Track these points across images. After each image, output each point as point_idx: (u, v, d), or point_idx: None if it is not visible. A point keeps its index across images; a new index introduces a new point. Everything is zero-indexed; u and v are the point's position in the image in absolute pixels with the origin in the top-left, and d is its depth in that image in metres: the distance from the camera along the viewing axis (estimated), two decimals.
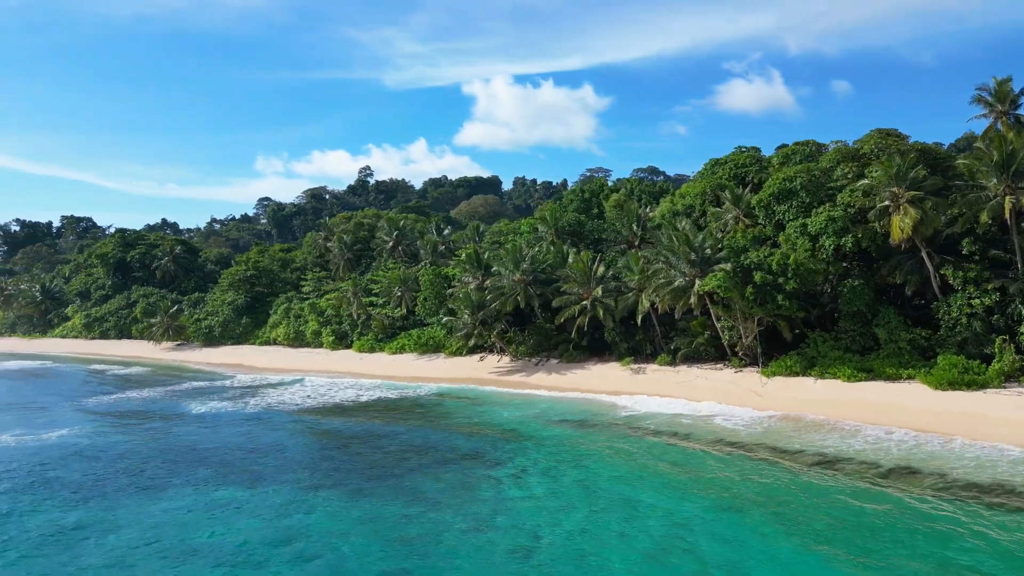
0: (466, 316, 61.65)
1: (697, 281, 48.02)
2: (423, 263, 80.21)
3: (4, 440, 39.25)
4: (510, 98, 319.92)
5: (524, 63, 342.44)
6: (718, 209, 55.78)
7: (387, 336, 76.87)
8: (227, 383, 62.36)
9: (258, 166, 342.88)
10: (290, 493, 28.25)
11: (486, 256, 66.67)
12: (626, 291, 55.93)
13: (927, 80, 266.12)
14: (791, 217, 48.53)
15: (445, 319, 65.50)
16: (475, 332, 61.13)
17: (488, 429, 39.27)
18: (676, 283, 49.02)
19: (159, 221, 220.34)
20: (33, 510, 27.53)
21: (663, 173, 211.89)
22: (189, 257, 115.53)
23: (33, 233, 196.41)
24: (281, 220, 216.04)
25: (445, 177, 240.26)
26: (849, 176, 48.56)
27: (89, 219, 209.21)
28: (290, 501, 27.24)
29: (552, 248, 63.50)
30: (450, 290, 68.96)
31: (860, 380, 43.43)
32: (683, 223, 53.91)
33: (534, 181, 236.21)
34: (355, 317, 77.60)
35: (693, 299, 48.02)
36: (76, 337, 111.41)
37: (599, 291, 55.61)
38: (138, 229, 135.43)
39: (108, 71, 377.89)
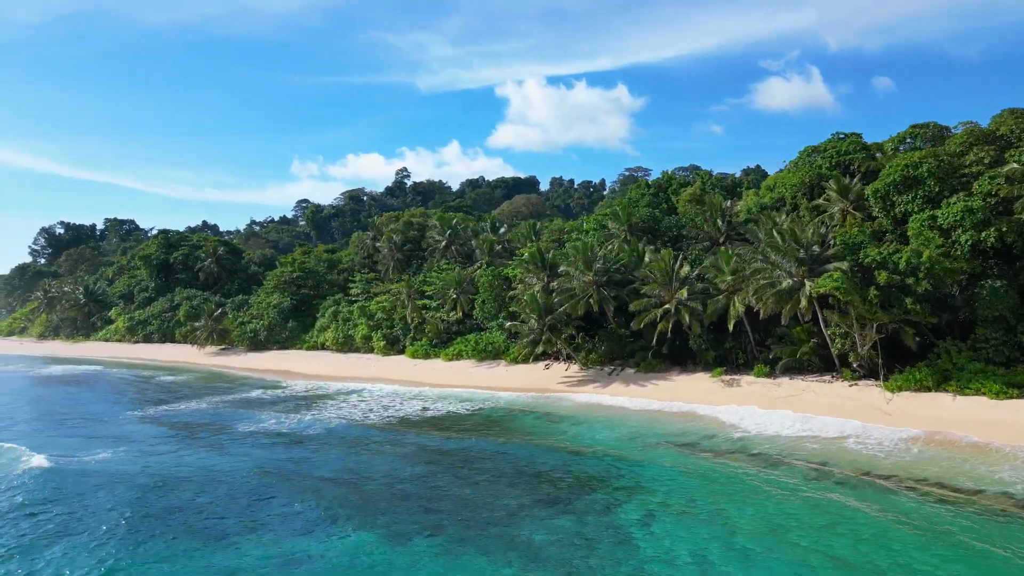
0: (533, 321, 56.57)
1: (807, 282, 42.25)
2: (478, 263, 75.42)
3: (44, 462, 35.15)
4: (543, 99, 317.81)
5: (557, 64, 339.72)
6: (818, 201, 49.82)
7: (441, 341, 72.23)
8: (280, 393, 58.19)
9: (294, 169, 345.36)
10: (375, 543, 23.40)
11: (550, 255, 61.52)
12: (715, 293, 50.36)
13: (973, 76, 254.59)
14: (916, 209, 42.48)
15: (509, 324, 60.46)
16: (543, 338, 55.98)
17: (582, 453, 34.09)
18: (783, 284, 43.27)
19: (199, 223, 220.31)
20: (74, 561, 23.13)
21: (704, 171, 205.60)
22: (232, 258, 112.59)
23: (77, 236, 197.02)
24: (320, 222, 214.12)
25: (482, 178, 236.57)
26: (986, 161, 42.26)
27: (132, 221, 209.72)
28: (376, 556, 22.39)
29: (626, 246, 58.11)
30: (511, 292, 64.01)
31: (1011, 397, 37.25)
32: (782, 217, 48.13)
33: (571, 181, 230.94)
34: (409, 321, 73.08)
35: (804, 302, 42.25)
36: (119, 340, 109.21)
37: (684, 293, 50.07)
38: (180, 231, 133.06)
39: (147, 78, 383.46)
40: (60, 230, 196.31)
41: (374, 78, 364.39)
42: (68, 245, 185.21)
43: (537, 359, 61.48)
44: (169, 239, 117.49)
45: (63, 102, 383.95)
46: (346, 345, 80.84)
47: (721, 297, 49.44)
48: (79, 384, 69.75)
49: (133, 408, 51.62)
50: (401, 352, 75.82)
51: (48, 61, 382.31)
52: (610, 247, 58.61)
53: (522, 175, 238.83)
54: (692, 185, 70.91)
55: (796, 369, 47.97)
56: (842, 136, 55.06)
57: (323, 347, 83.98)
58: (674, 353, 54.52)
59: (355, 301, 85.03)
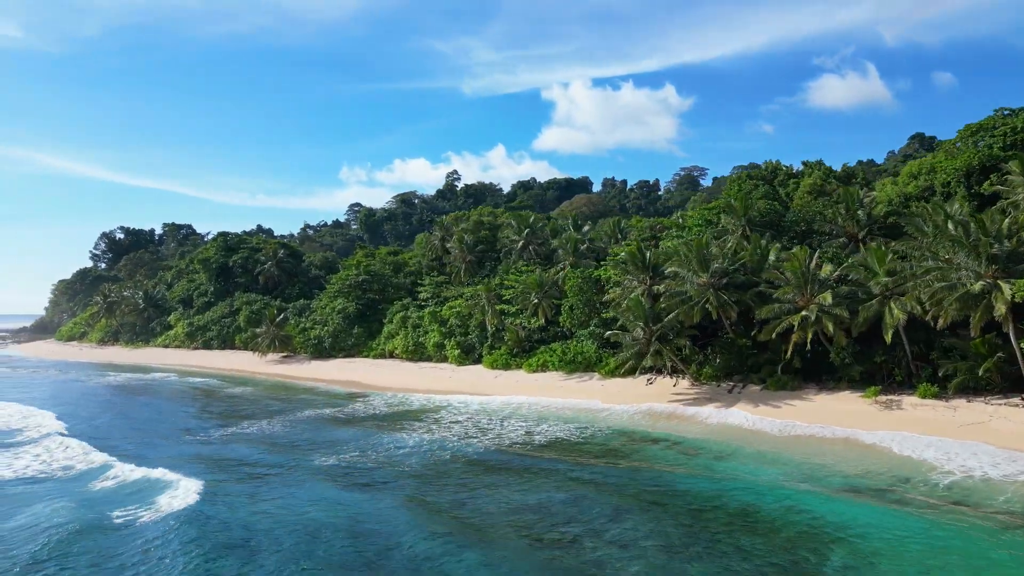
0: (639, 329, 49.54)
1: (1004, 284, 34.35)
2: (560, 264, 68.73)
3: (193, 495, 28.21)
4: (589, 101, 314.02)
5: (603, 66, 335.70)
6: (997, 187, 41.68)
7: (522, 350, 65.77)
8: (361, 409, 52.14)
9: (342, 175, 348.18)
10: None
11: (649, 255, 54.41)
12: (864, 298, 42.66)
13: None
14: None
15: (608, 333, 53.54)
16: (651, 350, 48.87)
17: (750, 504, 26.84)
18: (972, 287, 35.39)
19: (254, 227, 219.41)
20: None
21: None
22: (292, 261, 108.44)
23: (136, 240, 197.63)
24: (372, 225, 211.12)
25: (533, 179, 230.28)
26: None
27: (189, 226, 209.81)
28: None
29: (745, 243, 50.76)
30: (605, 296, 57.18)
31: None
32: (956, 207, 40.18)
33: (624, 182, 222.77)
34: (488, 328, 66.85)
35: (1001, 308, 34.35)
36: (178, 347, 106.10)
37: (828, 297, 42.45)
38: (239, 233, 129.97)
39: (202, 88, 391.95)
40: (120, 235, 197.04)
41: (419, 84, 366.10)
42: (128, 250, 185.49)
43: (637, 373, 54.42)
44: (228, 242, 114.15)
45: (122, 113, 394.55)
46: (416, 353, 75.15)
47: (874, 302, 41.73)
48: (152, 395, 64.96)
49: (207, 428, 46.18)
50: (477, 361, 69.71)
51: (108, 73, 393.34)
52: (725, 245, 51.32)
53: (574, 176, 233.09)
54: (808, 175, 63.10)
55: (972, 389, 39.91)
56: (1008, 112, 46.66)
57: (391, 355, 78.52)
58: (807, 367, 46.92)
59: (424, 306, 79.39)
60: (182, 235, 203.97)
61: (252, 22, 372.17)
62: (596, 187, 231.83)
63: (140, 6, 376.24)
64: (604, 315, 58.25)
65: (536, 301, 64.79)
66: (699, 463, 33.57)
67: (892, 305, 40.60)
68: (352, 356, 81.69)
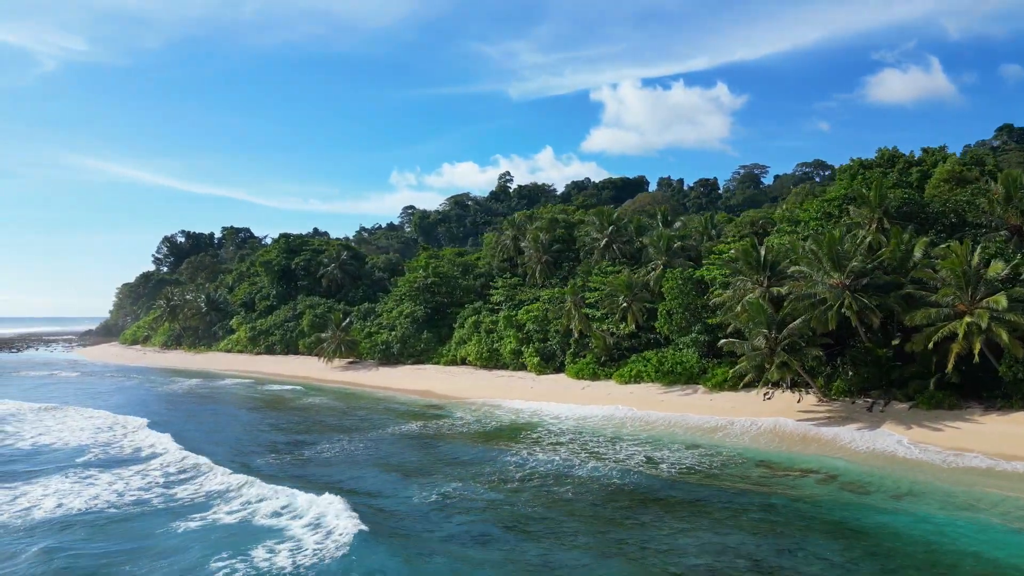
0: (760, 337, 43.44)
1: None
2: (651, 264, 62.86)
3: (356, 521, 24.37)
4: (639, 101, 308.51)
5: (652, 66, 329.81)
6: None
7: (610, 359, 60.17)
8: (446, 424, 47.05)
9: (392, 180, 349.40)
10: None
11: (765, 253, 48.17)
12: None
13: None
14: None
15: (723, 341, 47.44)
16: (776, 361, 42.64)
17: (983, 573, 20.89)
18: None
19: (310, 231, 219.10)
20: None
21: (831, 167, 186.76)
22: (355, 264, 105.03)
23: (196, 244, 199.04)
24: (426, 227, 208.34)
25: (588, 179, 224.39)
26: None
27: (247, 229, 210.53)
28: None
29: (883, 237, 44.21)
30: (713, 299, 51.21)
31: None
32: None
33: (681, 181, 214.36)
34: (574, 334, 61.46)
35: None
36: (241, 351, 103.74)
37: (1001, 301, 35.74)
38: (301, 235, 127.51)
39: (257, 97, 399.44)
40: (181, 238, 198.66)
41: (466, 88, 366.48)
42: (188, 253, 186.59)
43: (755, 386, 48.26)
44: (290, 244, 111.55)
45: (182, 122, 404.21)
46: (491, 360, 70.28)
47: None
48: (230, 404, 61.16)
49: (309, 442, 41.67)
50: (558, 370, 64.45)
51: (169, 84, 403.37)
52: (856, 240, 44.77)
53: (629, 176, 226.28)
54: (929, 162, 55.98)
55: None
56: None
57: (463, 362, 73.85)
58: (965, 383, 40.12)
59: (497, 310, 74.51)
60: (240, 238, 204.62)
61: (304, 31, 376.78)
62: (652, 187, 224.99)
63: (198, 18, 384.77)
64: (709, 320, 52.29)
65: (625, 305, 59.18)
66: (875, 505, 27.47)
67: None
68: (421, 363, 77.35)
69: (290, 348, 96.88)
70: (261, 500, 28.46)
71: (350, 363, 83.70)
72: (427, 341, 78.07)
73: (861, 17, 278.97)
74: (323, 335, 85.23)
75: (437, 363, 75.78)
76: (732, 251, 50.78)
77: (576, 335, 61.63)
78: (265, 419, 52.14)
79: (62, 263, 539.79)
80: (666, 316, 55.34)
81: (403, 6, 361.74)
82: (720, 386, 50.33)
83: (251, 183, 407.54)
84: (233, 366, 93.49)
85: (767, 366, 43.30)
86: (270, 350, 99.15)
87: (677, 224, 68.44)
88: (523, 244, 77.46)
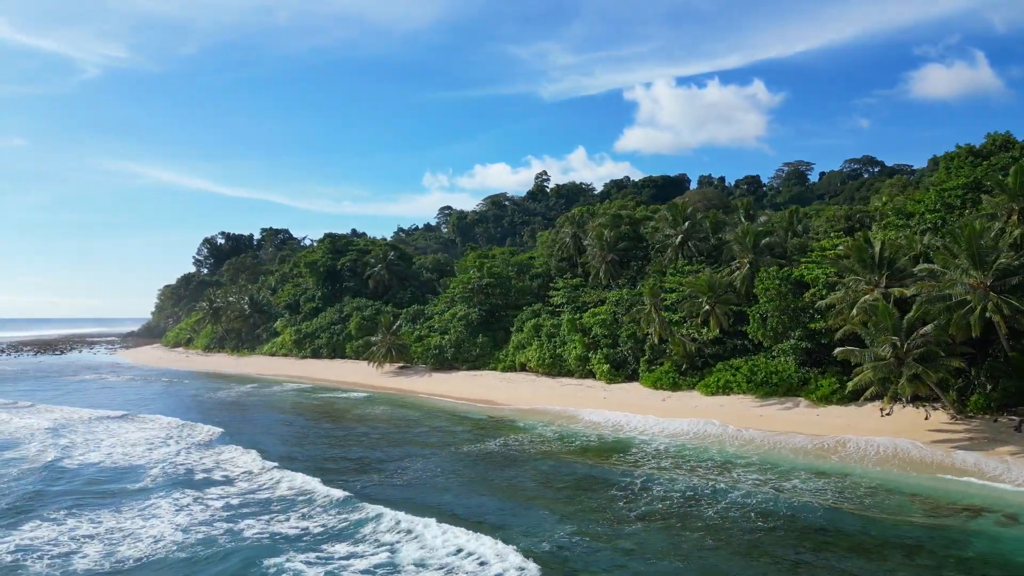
0: (886, 346, 37.88)
1: None
2: (733, 263, 57.49)
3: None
4: (673, 101, 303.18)
5: (686, 65, 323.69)
6: None
7: (691, 366, 55.01)
8: (524, 440, 41.76)
9: (425, 182, 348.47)
10: None
11: (881, 249, 42.59)
12: None
13: None
14: None
15: (839, 350, 41.88)
16: (907, 372, 37.05)
17: None
18: None
19: (348, 231, 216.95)
20: None
21: (880, 163, 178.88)
22: (403, 264, 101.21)
23: (236, 245, 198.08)
24: (464, 228, 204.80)
25: (627, 178, 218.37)
26: None
27: (286, 231, 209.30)
28: None
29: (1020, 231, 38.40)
30: (816, 301, 45.77)
31: None
32: None
33: (722, 179, 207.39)
34: (652, 339, 56.37)
35: None
36: (286, 355, 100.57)
37: None
38: (346, 234, 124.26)
39: (290, 101, 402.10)
40: (221, 240, 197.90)
41: (498, 90, 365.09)
42: (228, 255, 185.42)
43: (856, 399, 42.68)
44: (336, 244, 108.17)
45: (218, 126, 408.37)
46: (555, 367, 65.53)
47: None
48: (288, 412, 57.05)
49: (385, 459, 37.30)
50: (630, 378, 59.47)
51: (206, 90, 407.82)
52: (991, 233, 39.01)
53: (669, 174, 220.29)
54: None
55: None
56: None
57: (523, 368, 69.28)
58: None
59: (558, 312, 69.74)
60: (279, 240, 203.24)
61: (337, 36, 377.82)
62: (693, 185, 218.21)
63: (233, 24, 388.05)
64: (810, 325, 46.86)
65: (708, 307, 53.92)
66: None
67: None
68: (477, 368, 72.95)
69: (336, 352, 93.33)
70: (436, 537, 24.66)
71: (400, 368, 79.69)
72: (482, 346, 73.64)
73: (900, 12, 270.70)
74: (372, 339, 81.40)
75: (494, 369, 71.31)
76: (840, 247, 45.31)
77: (655, 340, 56.52)
78: (336, 430, 48.01)
79: (104, 265, 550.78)
80: (760, 320, 50.01)
81: (434, 9, 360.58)
82: (827, 399, 44.92)
83: (286, 186, 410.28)
84: (281, 370, 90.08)
85: (893, 379, 37.81)
86: (316, 354, 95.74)
87: (762, 219, 62.84)
88: (585, 242, 72.53)
